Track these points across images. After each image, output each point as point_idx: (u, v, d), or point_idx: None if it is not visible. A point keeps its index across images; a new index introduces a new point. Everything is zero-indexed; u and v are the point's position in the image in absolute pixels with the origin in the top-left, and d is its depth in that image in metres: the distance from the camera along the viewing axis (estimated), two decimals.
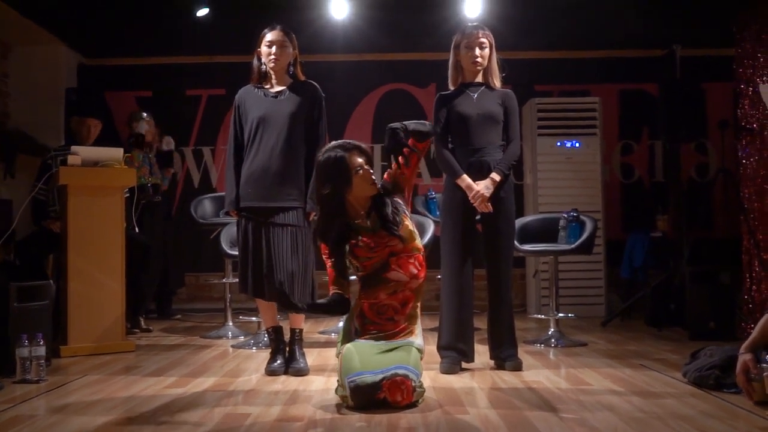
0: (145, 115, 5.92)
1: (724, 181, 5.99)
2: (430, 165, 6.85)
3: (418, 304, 3.14)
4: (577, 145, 6.47)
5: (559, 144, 6.47)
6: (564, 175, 6.42)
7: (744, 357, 2.93)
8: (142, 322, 5.59)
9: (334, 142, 3.18)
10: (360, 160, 3.08)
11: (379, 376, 2.82)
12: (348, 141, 3.17)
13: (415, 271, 3.07)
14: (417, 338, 3.09)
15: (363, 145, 3.16)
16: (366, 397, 2.82)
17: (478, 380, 3.52)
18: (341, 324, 3.32)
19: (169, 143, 5.98)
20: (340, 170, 3.04)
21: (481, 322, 4.51)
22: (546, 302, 5.93)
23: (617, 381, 3.43)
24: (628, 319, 5.84)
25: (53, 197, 5.08)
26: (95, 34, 6.84)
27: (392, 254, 3.06)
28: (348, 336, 3.09)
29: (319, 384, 3.45)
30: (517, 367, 3.73)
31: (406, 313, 3.08)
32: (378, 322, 3.07)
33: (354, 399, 2.84)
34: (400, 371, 2.83)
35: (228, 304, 5.34)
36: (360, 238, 3.07)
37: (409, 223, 3.12)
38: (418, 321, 3.14)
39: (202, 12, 6.35)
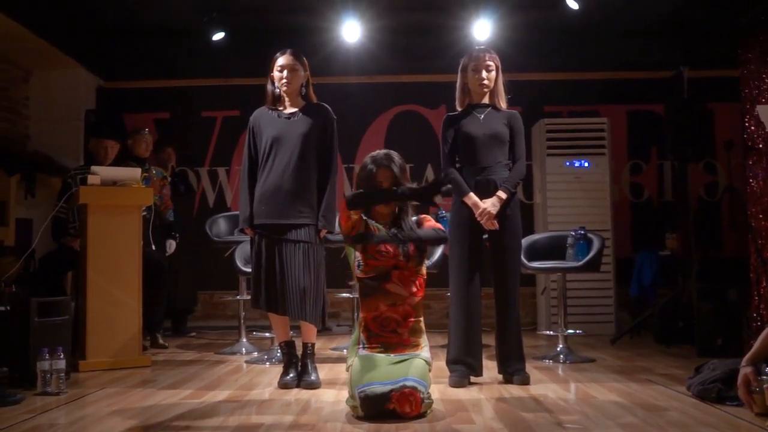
0: (142, 130, 5.97)
1: (730, 200, 6.05)
2: None
3: (421, 319, 3.23)
4: (586, 164, 6.56)
5: (568, 164, 6.56)
6: (573, 194, 6.50)
7: (745, 370, 2.99)
8: (160, 339, 5.70)
9: (381, 151, 3.34)
10: (384, 180, 3.23)
11: (388, 387, 2.90)
12: (386, 156, 3.28)
13: (414, 290, 3.19)
14: (424, 351, 3.19)
15: (395, 166, 3.27)
16: (375, 406, 2.90)
17: (486, 393, 3.59)
18: (355, 329, 3.41)
19: (171, 246, 5.99)
20: (368, 182, 3.25)
21: (489, 340, 4.58)
22: (556, 319, 5.99)
23: (622, 394, 3.50)
24: (637, 336, 5.88)
25: (73, 215, 5.22)
26: (114, 57, 7.04)
27: (396, 267, 3.16)
28: (356, 350, 3.19)
29: (331, 396, 3.54)
30: (525, 381, 3.80)
31: (408, 327, 3.18)
32: (382, 335, 3.17)
33: (364, 409, 2.92)
34: (409, 383, 2.92)
35: (242, 320, 5.44)
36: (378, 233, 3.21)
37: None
38: (424, 335, 3.24)
39: (218, 36, 6.52)
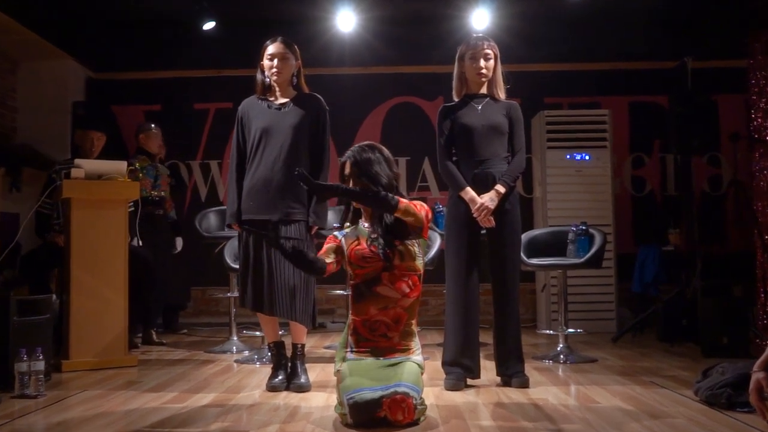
0: (153, 126, 5.91)
1: (735, 194, 5.90)
2: (437, 178, 6.79)
3: (413, 322, 3.05)
4: (587, 157, 6.39)
5: (568, 157, 6.39)
6: (574, 188, 6.34)
7: (757, 375, 2.82)
8: (154, 336, 5.55)
9: (365, 143, 3.16)
10: (347, 171, 3.07)
11: (379, 393, 2.74)
12: (358, 150, 3.11)
13: (407, 290, 2.99)
14: (416, 355, 3.01)
15: (361, 157, 3.09)
16: (365, 414, 2.74)
17: (483, 397, 3.43)
18: (344, 331, 3.23)
19: (179, 243, 6.03)
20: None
21: (487, 337, 4.41)
22: (555, 316, 5.83)
23: (627, 399, 3.34)
24: (639, 334, 5.72)
25: (57, 211, 5.06)
26: (103, 48, 6.88)
27: (385, 269, 2.98)
28: (344, 353, 3.02)
29: (320, 400, 3.38)
30: (524, 384, 3.65)
31: (399, 330, 2.99)
32: (372, 338, 2.98)
33: (353, 416, 2.76)
34: (401, 389, 2.75)
35: (233, 318, 5.29)
36: (359, 241, 3.01)
37: (413, 245, 3.05)
38: (416, 338, 3.05)
39: (209, 26, 6.36)
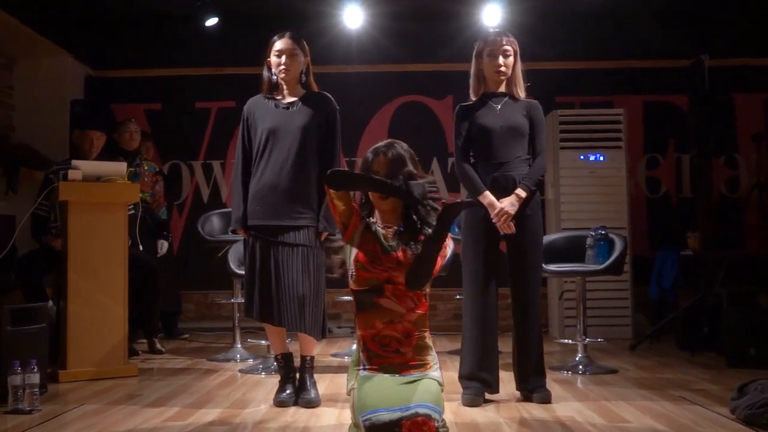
0: (127, 121, 5.67)
1: (759, 197, 5.69)
2: (447, 179, 6.59)
3: (426, 334, 2.80)
4: (601, 158, 6.19)
5: (582, 157, 6.19)
6: (588, 189, 6.14)
7: None
8: (158, 344, 5.34)
9: (389, 141, 2.85)
10: (379, 168, 2.76)
11: (398, 415, 2.53)
12: (386, 144, 2.83)
13: (412, 305, 2.74)
14: (433, 370, 2.78)
15: (393, 152, 2.82)
16: None
17: (504, 414, 3.24)
18: (354, 347, 2.99)
19: (162, 246, 5.63)
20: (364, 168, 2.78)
21: (504, 345, 4.21)
22: (569, 323, 5.65)
23: (657, 417, 3.14)
24: (656, 341, 5.52)
25: (55, 213, 4.86)
26: (103, 45, 6.70)
27: (389, 281, 2.74)
28: (357, 372, 2.79)
29: (331, 418, 3.19)
30: (546, 399, 3.45)
31: (412, 345, 2.74)
32: (383, 354, 2.73)
33: None
34: (422, 410, 2.54)
35: (236, 324, 5.10)
36: (374, 244, 2.76)
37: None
38: (432, 352, 2.80)
39: (211, 22, 6.17)
